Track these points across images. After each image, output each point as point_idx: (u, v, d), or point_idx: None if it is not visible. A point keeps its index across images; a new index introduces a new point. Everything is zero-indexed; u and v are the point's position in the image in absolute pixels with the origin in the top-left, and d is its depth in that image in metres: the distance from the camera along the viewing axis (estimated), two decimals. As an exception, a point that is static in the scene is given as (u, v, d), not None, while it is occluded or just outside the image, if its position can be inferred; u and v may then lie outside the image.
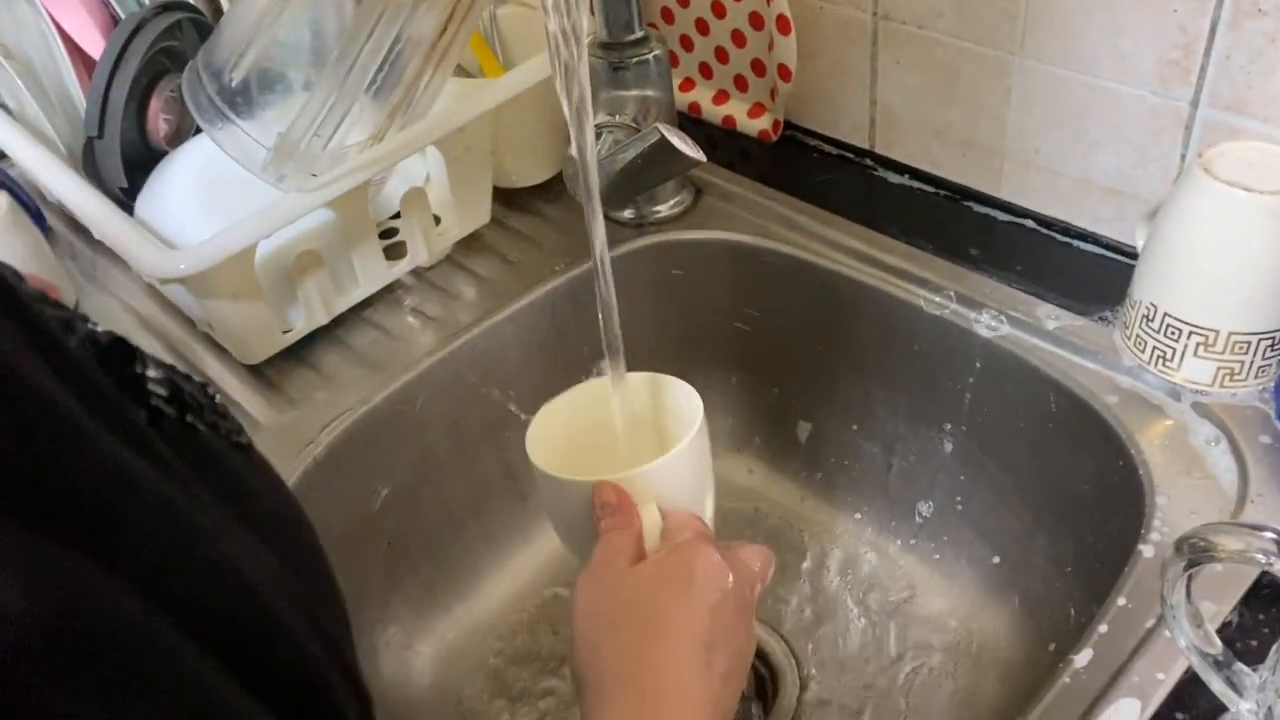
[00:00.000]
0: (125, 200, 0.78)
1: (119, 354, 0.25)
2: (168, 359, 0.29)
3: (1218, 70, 0.64)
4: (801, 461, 0.89)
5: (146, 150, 0.80)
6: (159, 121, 0.80)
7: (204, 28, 0.80)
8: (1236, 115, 0.65)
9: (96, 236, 0.77)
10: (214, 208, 0.76)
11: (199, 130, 0.77)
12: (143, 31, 0.76)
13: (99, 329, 0.25)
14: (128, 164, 0.78)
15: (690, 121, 0.95)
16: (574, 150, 0.51)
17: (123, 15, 0.79)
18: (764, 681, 0.78)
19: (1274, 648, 0.46)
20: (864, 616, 0.80)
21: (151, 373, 0.25)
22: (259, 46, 0.71)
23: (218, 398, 0.29)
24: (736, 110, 0.93)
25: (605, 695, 0.42)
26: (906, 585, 0.81)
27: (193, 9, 0.81)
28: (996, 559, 0.78)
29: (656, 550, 0.49)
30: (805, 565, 0.84)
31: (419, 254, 0.81)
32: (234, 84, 0.71)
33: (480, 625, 0.83)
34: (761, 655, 0.79)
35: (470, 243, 0.85)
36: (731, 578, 0.47)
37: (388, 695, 0.77)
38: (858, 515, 0.85)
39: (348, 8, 0.72)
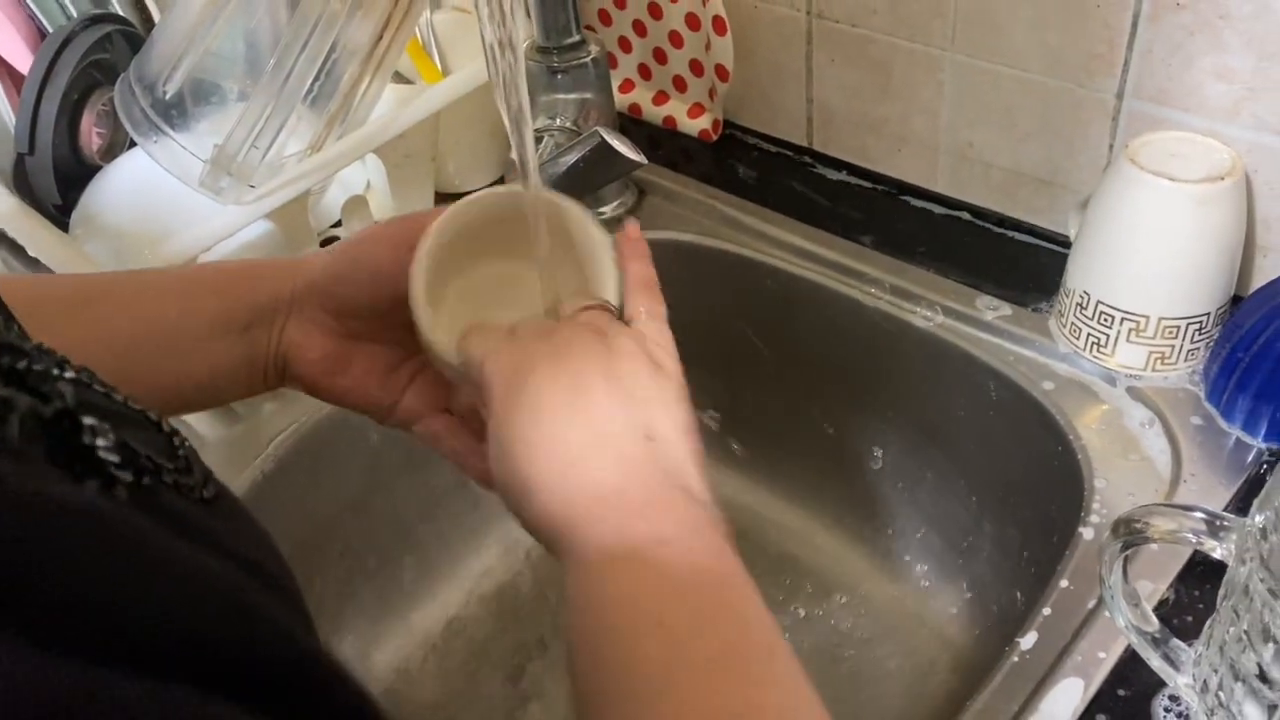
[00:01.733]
0: (60, 217, 0.77)
1: (64, 428, 0.24)
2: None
3: (1140, 63, 0.66)
4: (750, 456, 0.90)
5: (80, 165, 0.78)
6: (92, 136, 0.79)
7: (135, 40, 0.79)
8: (1160, 106, 0.67)
9: (31, 254, 0.76)
10: (151, 222, 0.75)
11: (134, 144, 0.76)
12: (72, 45, 0.74)
13: (59, 388, 0.25)
14: (61, 180, 0.77)
15: (631, 122, 0.96)
16: (515, 157, 0.51)
17: (50, 29, 0.77)
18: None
19: (1207, 623, 0.48)
20: (815, 606, 0.81)
21: (101, 442, 0.24)
22: (192, 57, 0.71)
23: (182, 450, 0.29)
24: (677, 110, 0.93)
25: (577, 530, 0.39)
26: (856, 574, 0.83)
27: (123, 21, 0.80)
28: (945, 545, 0.80)
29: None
30: (759, 557, 0.85)
31: (362, 262, 0.81)
32: (167, 96, 0.71)
33: (437, 631, 0.83)
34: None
35: (414, 249, 0.85)
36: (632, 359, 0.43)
37: (345, 706, 0.76)
38: (807, 507, 0.87)
39: (282, 17, 0.71)
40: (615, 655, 0.36)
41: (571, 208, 0.51)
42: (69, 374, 0.27)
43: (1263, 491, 0.42)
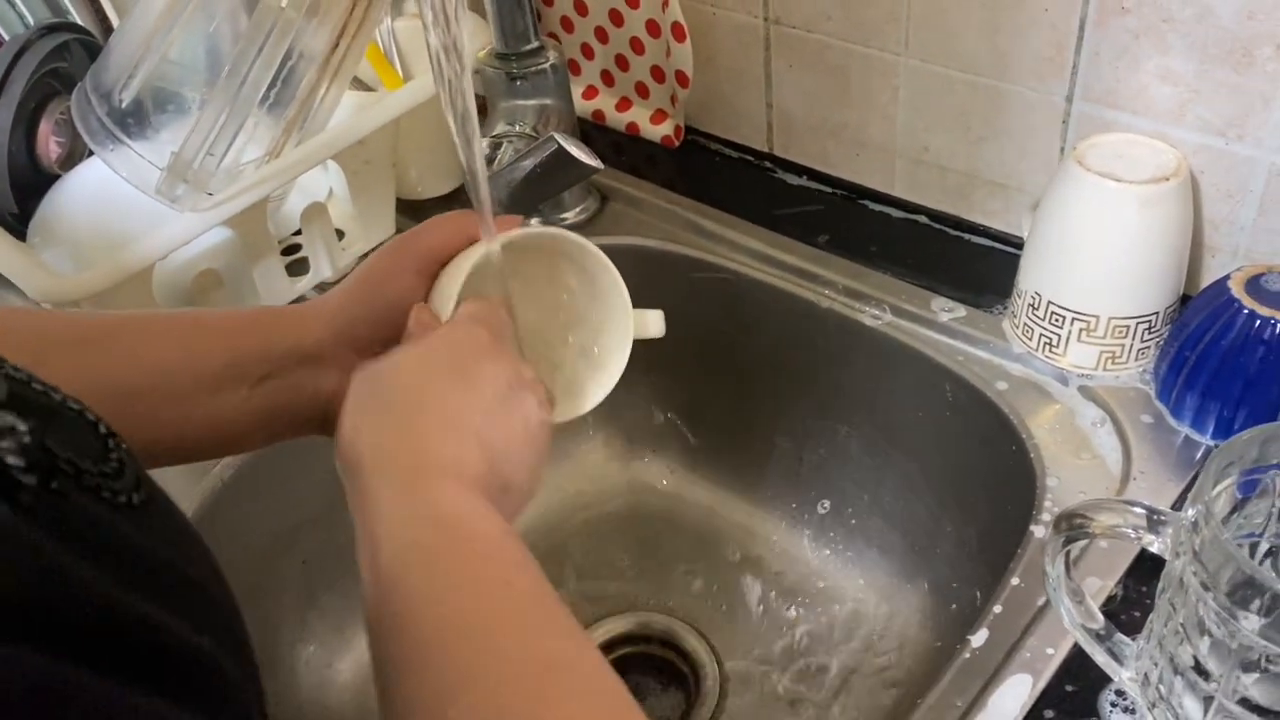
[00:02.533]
0: (16, 225, 0.77)
1: None
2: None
3: (1088, 66, 0.67)
4: (712, 459, 0.90)
5: (37, 174, 0.78)
6: (50, 145, 0.79)
7: (93, 48, 0.79)
8: (1108, 108, 0.68)
9: (-12, 263, 0.76)
10: (109, 230, 0.75)
11: (93, 152, 0.76)
12: (28, 54, 0.74)
13: None
14: (18, 189, 0.76)
15: (595, 128, 0.96)
16: (463, 165, 0.51)
17: (6, 37, 0.77)
18: (685, 676, 0.79)
19: (1149, 618, 0.49)
20: (780, 607, 0.82)
21: (6, 443, 0.24)
22: (149, 66, 0.71)
23: (116, 454, 0.28)
24: (639, 117, 0.94)
25: (370, 478, 0.40)
26: (820, 574, 0.83)
27: (81, 30, 0.79)
28: (906, 545, 0.80)
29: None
30: (722, 561, 0.85)
31: (322, 269, 0.81)
32: (124, 105, 0.71)
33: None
34: (679, 649, 0.80)
35: (376, 256, 0.85)
36: (507, 372, 0.44)
37: (306, 714, 0.76)
38: (772, 509, 0.87)
39: (242, 23, 0.71)
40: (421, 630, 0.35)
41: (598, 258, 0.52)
42: (7, 369, 0.27)
43: (1194, 485, 0.43)
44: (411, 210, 0.89)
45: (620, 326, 0.53)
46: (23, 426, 0.25)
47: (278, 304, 0.79)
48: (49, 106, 0.78)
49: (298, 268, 0.82)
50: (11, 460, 0.24)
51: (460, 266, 0.49)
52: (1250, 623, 0.41)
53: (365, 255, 0.84)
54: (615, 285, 0.52)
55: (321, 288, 0.82)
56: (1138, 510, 0.46)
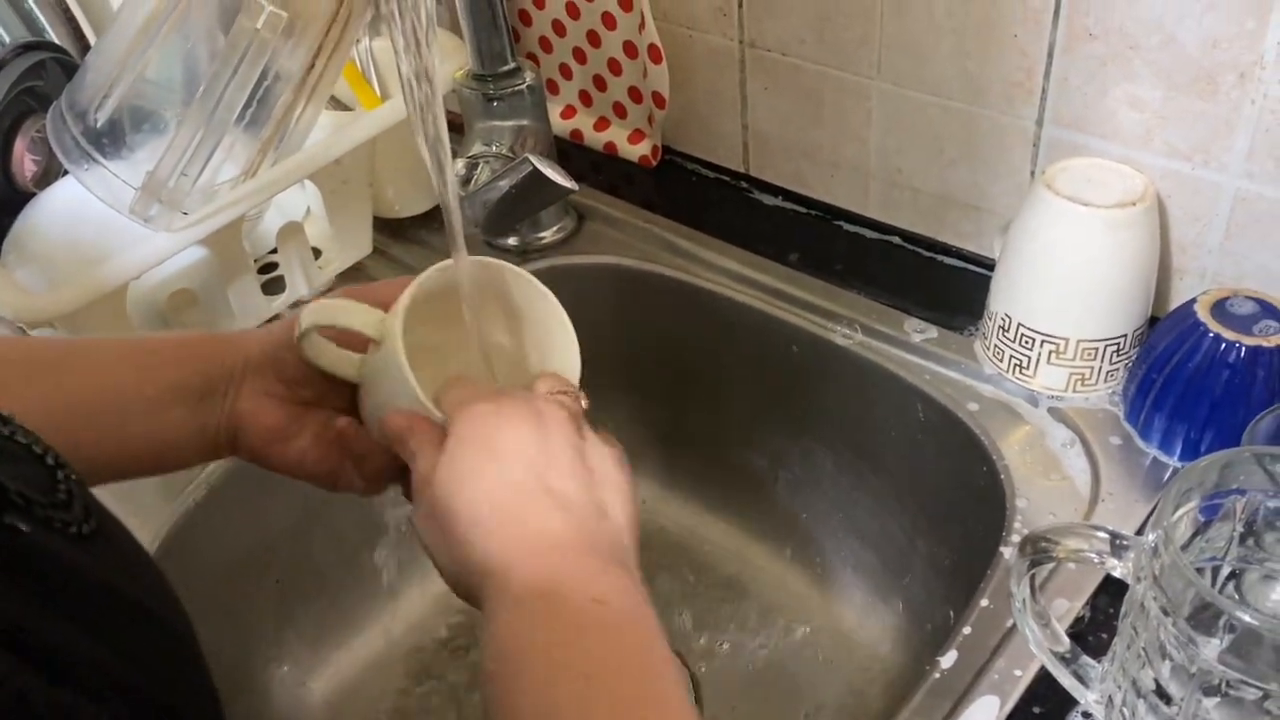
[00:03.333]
0: (-10, 244, 0.77)
1: None
2: None
3: (1057, 91, 0.68)
4: (693, 479, 0.91)
5: (13, 193, 0.78)
6: (25, 163, 0.79)
7: (70, 67, 0.79)
8: (1077, 133, 0.69)
9: (-39, 281, 0.75)
10: (84, 249, 0.75)
11: (67, 171, 0.76)
12: (3, 72, 0.74)
13: None
14: (-8, 207, 0.76)
15: (573, 148, 0.97)
16: (435, 188, 0.52)
17: (-18, 56, 0.77)
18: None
19: (1114, 640, 0.49)
20: (753, 625, 0.82)
21: None
22: (124, 85, 0.71)
23: (64, 485, 0.28)
24: (617, 136, 0.94)
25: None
26: (795, 593, 0.83)
27: (58, 49, 0.79)
28: (880, 565, 0.81)
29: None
30: (696, 579, 0.85)
31: (298, 288, 0.81)
32: (99, 124, 0.71)
33: (376, 659, 0.83)
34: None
35: (352, 274, 0.85)
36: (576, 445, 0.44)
37: (280, 735, 0.76)
38: (745, 527, 0.87)
39: (218, 43, 0.72)
40: (533, 702, 0.36)
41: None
42: None
43: (1155, 510, 0.43)
44: (389, 229, 0.89)
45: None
46: None
47: (253, 323, 0.79)
48: (24, 125, 0.78)
49: (274, 286, 0.82)
50: None
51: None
52: (1210, 648, 0.41)
53: (342, 274, 0.84)
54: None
55: (297, 306, 0.82)
56: (1101, 535, 0.46)
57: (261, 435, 0.51)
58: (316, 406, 0.52)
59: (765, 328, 0.79)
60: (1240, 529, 0.46)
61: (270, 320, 0.80)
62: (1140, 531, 0.60)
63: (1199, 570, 0.47)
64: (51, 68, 0.78)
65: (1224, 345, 0.59)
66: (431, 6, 0.48)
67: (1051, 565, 0.51)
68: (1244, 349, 0.59)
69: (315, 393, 0.52)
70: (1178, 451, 0.63)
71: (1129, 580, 0.45)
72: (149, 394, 0.49)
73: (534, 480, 0.42)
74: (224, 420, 0.51)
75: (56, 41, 0.81)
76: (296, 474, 0.53)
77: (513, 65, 0.80)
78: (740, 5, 0.80)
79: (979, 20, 0.68)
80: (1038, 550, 0.47)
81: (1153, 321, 0.67)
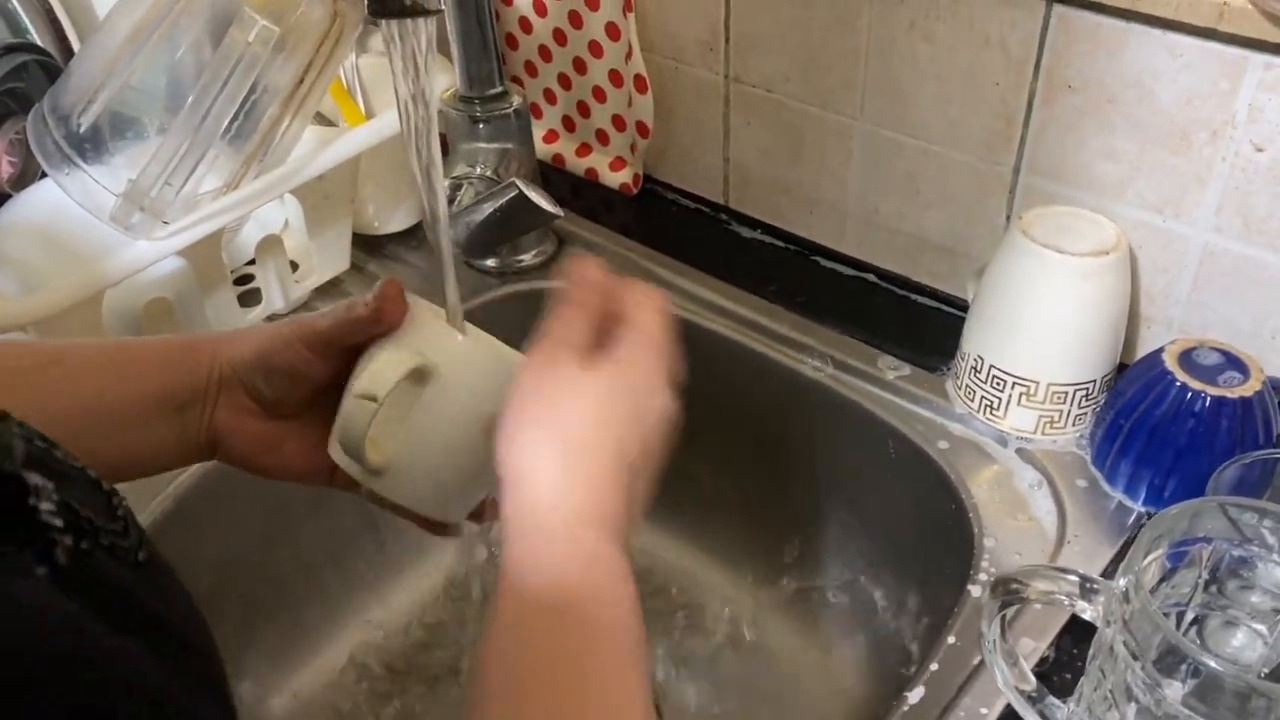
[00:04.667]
0: (-37, 245, 0.76)
1: (7, 493, 0.24)
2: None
3: (1035, 140, 0.70)
4: (662, 505, 0.90)
5: (-12, 193, 0.77)
6: (2, 164, 0.78)
7: (53, 70, 0.78)
8: (1053, 181, 0.70)
9: (-69, 281, 0.74)
10: (60, 253, 0.74)
11: (46, 174, 0.75)
12: (-15, 73, 0.74)
13: (12, 443, 0.25)
14: (-34, 207, 0.75)
15: (554, 172, 0.97)
16: (425, 211, 0.52)
17: (-36, 56, 0.77)
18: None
19: (1080, 681, 0.50)
20: (718, 656, 0.82)
21: (45, 505, 0.25)
22: (109, 91, 0.70)
23: (120, 510, 0.29)
24: (599, 163, 0.95)
25: (529, 508, 0.40)
26: (762, 624, 0.84)
27: (41, 51, 0.79)
28: (847, 598, 0.81)
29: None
30: (665, 610, 0.85)
31: (274, 301, 0.81)
32: (81, 129, 0.70)
33: (337, 678, 0.82)
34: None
35: (329, 289, 0.85)
36: (669, 402, 0.45)
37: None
38: (714, 556, 0.88)
39: (206, 54, 0.71)
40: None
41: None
42: (15, 427, 0.27)
43: (1126, 555, 0.44)
44: (367, 244, 0.89)
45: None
46: (49, 485, 0.25)
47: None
48: (4, 125, 0.77)
49: (250, 298, 0.81)
50: (52, 520, 0.24)
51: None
52: (1174, 691, 0.42)
53: (319, 289, 0.84)
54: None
55: (273, 319, 0.82)
56: (1071, 578, 0.47)
57: (242, 448, 0.51)
58: (295, 418, 0.52)
59: (740, 359, 0.80)
60: (1205, 576, 0.47)
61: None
62: (1105, 574, 0.61)
63: (1164, 614, 0.48)
64: (34, 70, 0.78)
65: (1190, 395, 0.60)
66: (432, 32, 0.48)
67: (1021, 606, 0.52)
68: (1209, 399, 0.60)
69: (293, 408, 0.51)
70: (1142, 496, 0.64)
71: (1098, 623, 0.46)
72: (131, 404, 0.48)
73: (624, 433, 0.42)
74: (204, 431, 0.50)
75: (40, 43, 0.80)
76: (285, 477, 0.52)
77: (500, 89, 0.80)
78: (727, 41, 0.81)
79: (962, 68, 0.70)
80: (1009, 591, 0.48)
81: (1121, 368, 0.69)
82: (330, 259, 0.84)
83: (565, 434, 0.41)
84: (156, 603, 0.27)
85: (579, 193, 0.95)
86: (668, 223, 0.91)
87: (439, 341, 0.48)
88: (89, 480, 0.28)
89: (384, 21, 0.47)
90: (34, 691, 0.20)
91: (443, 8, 0.48)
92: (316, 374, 0.49)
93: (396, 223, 0.89)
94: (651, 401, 0.44)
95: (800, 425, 0.79)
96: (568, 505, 0.40)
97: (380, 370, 0.45)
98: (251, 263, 0.83)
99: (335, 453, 0.49)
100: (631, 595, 0.40)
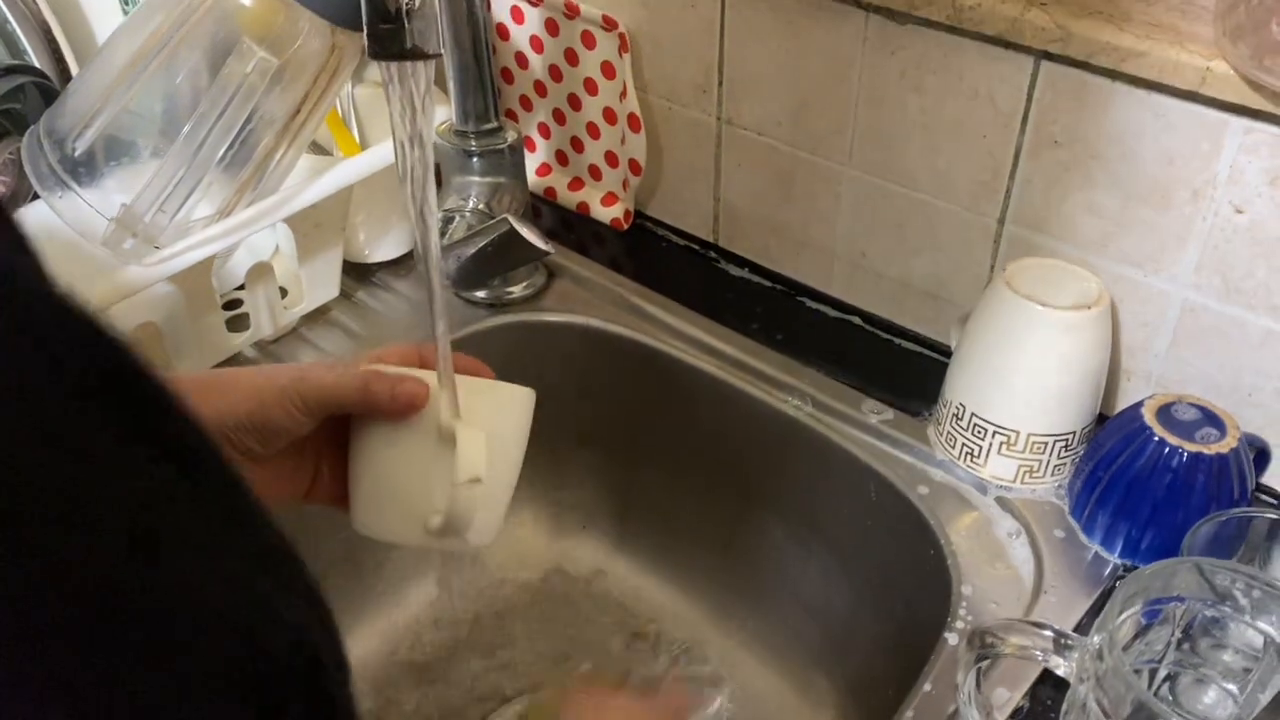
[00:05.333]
0: (-47, 263, 0.76)
1: None
2: None
3: (1021, 192, 0.71)
4: (644, 539, 0.91)
5: (-21, 212, 0.77)
6: (-6, 183, 0.78)
7: (49, 93, 0.79)
8: (1037, 233, 0.71)
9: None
10: (49, 275, 0.74)
11: (37, 195, 0.75)
12: (-19, 93, 0.74)
13: None
14: (-43, 226, 0.75)
15: (546, 204, 0.98)
16: (418, 249, 0.52)
17: (-39, 76, 0.77)
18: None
19: (1053, 734, 0.51)
20: (699, 696, 0.82)
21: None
22: (106, 116, 0.71)
23: None
24: (590, 198, 0.96)
25: None
26: (738, 661, 0.84)
27: (39, 74, 0.79)
28: (823, 638, 0.82)
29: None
30: (643, 643, 0.86)
31: (263, 327, 0.81)
32: (77, 153, 0.70)
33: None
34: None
35: (317, 316, 0.85)
36: None
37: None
38: (694, 592, 0.88)
39: (203, 81, 0.72)
40: None
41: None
42: None
43: (1102, 613, 0.45)
44: (357, 272, 0.89)
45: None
46: None
47: (215, 357, 0.79)
48: (-2, 146, 0.77)
49: (238, 323, 0.82)
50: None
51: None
52: (1146, 750, 0.43)
53: (307, 316, 0.84)
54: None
55: (260, 345, 0.82)
56: (1046, 633, 0.48)
57: None
58: (271, 458, 0.51)
59: (725, 396, 0.81)
60: (1178, 634, 0.48)
61: (227, 361, 0.80)
62: (1080, 626, 0.62)
63: (1137, 671, 0.48)
64: (30, 91, 0.78)
65: (1168, 450, 0.61)
66: (431, 75, 0.49)
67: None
68: (1186, 454, 0.61)
69: (269, 455, 0.51)
70: (1119, 548, 0.65)
71: (1071, 679, 0.47)
72: None
73: None
74: None
75: (38, 66, 0.80)
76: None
77: (495, 124, 0.81)
78: (721, 84, 0.82)
79: (951, 120, 0.71)
80: (985, 645, 0.49)
81: (1100, 419, 0.69)
82: (320, 286, 0.84)
83: None
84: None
85: (570, 226, 0.96)
86: (657, 259, 0.92)
87: (482, 399, 0.51)
88: None
89: (382, 63, 0.48)
90: None
91: (441, 52, 0.49)
92: (304, 431, 0.49)
93: (386, 251, 0.90)
94: None
95: (782, 465, 0.79)
96: None
97: (473, 454, 0.48)
98: (241, 288, 0.83)
99: (430, 529, 0.50)
100: None
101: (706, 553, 0.87)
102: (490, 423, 0.50)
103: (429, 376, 0.50)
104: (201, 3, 0.69)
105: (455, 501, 0.48)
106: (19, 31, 0.80)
